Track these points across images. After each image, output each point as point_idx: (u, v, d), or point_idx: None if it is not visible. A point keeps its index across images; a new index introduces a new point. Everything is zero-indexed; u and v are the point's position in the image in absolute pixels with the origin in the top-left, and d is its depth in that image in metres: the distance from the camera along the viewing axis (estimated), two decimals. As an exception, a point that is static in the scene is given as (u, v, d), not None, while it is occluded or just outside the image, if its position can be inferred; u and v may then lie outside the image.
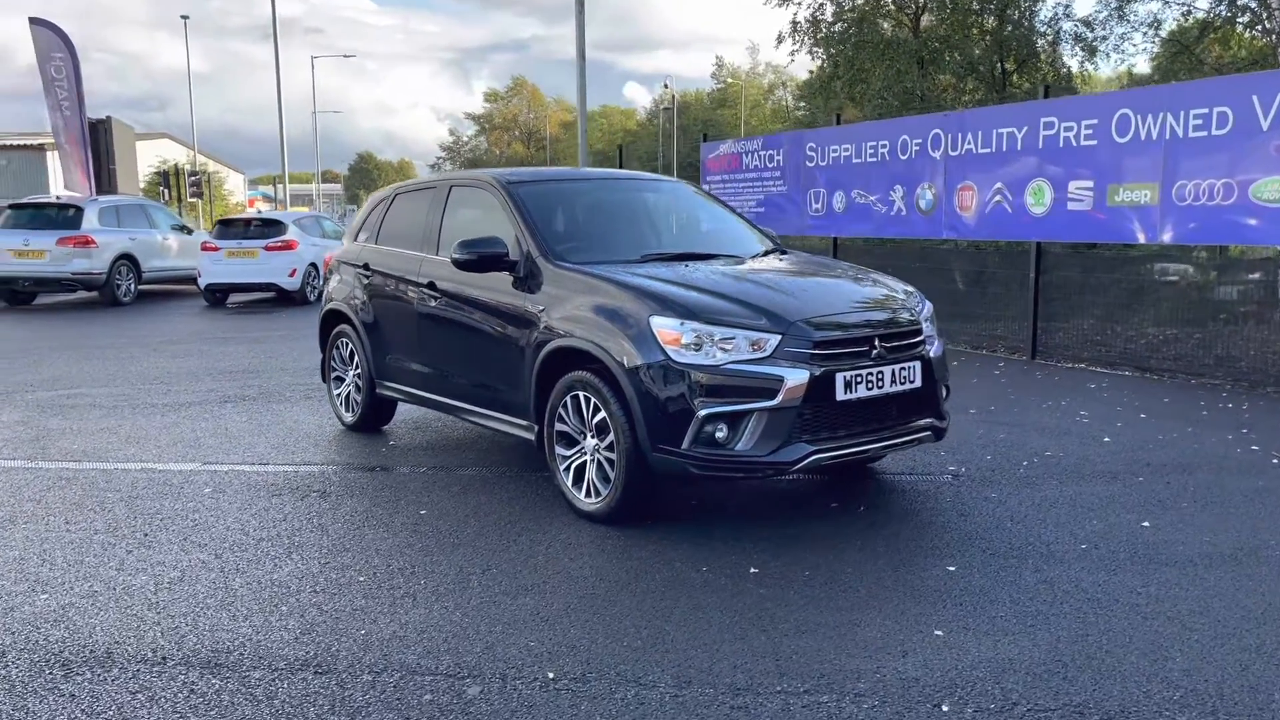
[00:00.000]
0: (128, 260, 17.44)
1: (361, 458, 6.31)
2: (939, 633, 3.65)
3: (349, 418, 7.04)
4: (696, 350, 4.50)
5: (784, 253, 6.10)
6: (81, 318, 15.36)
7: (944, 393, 5.21)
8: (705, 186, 15.38)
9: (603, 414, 4.77)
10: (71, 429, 7.14)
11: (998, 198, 10.34)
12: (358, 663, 3.44)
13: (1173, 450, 6.25)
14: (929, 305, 5.35)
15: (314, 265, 17.22)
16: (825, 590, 4.06)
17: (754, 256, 5.81)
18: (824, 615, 3.81)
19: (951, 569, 4.28)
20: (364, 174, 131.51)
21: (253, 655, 3.50)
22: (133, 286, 17.57)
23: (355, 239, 7.09)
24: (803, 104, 38.12)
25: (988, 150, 10.44)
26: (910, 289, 5.43)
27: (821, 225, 12.96)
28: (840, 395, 4.56)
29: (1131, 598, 3.95)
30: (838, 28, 24.29)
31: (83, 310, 16.55)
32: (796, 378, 4.46)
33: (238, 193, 63.28)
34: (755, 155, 14.17)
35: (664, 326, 4.56)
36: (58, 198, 17.74)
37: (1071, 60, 24.01)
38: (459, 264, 5.39)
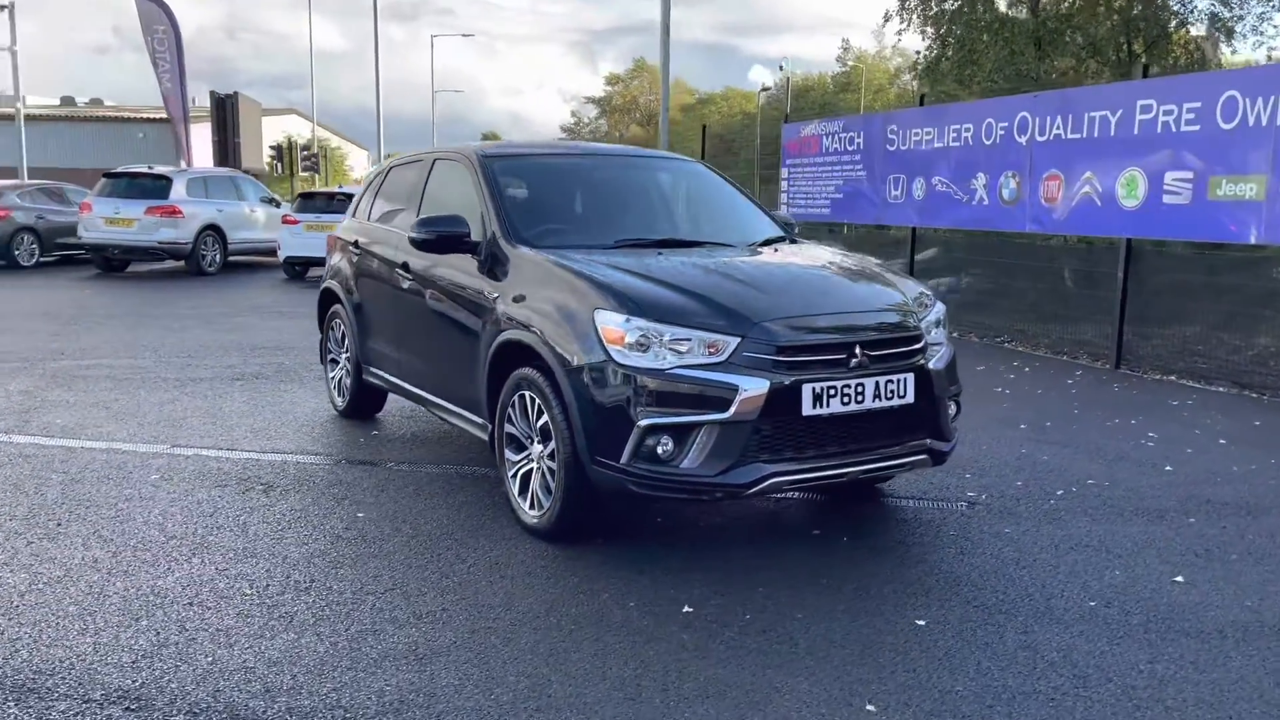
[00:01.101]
0: (213, 231, 17.65)
1: (334, 448, 5.92)
2: (871, 708, 3.01)
3: (340, 403, 6.68)
4: (643, 351, 3.91)
5: (794, 242, 5.44)
6: (162, 286, 15.56)
7: (951, 410, 4.50)
8: (784, 170, 14.62)
9: (546, 418, 4.24)
10: (68, 401, 6.97)
11: (1086, 189, 9.36)
12: (180, 699, 3.00)
13: (1244, 486, 5.37)
14: (940, 308, 4.64)
15: None
16: (758, 640, 3.45)
17: (751, 245, 5.18)
18: (743, 674, 3.21)
19: (921, 623, 3.61)
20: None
21: (74, 680, 3.10)
22: (217, 257, 17.79)
23: (354, 215, 6.70)
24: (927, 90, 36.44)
25: (1077, 135, 9.45)
26: (923, 290, 4.73)
27: (900, 214, 12.09)
28: (807, 409, 3.92)
29: (1129, 676, 3.23)
30: (949, 4, 23.00)
31: (168, 279, 16.81)
32: (753, 388, 3.84)
33: (359, 169, 64.71)
34: (835, 138, 13.35)
35: (608, 322, 3.99)
36: (149, 168, 18.05)
37: (1207, 43, 22.18)
38: (416, 244, 4.93)
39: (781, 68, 51.07)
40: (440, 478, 5.32)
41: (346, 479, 5.27)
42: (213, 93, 26.83)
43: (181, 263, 17.52)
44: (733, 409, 3.83)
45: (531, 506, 4.42)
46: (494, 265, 4.74)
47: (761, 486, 3.92)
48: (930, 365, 4.27)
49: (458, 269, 4.98)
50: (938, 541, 4.45)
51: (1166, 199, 8.54)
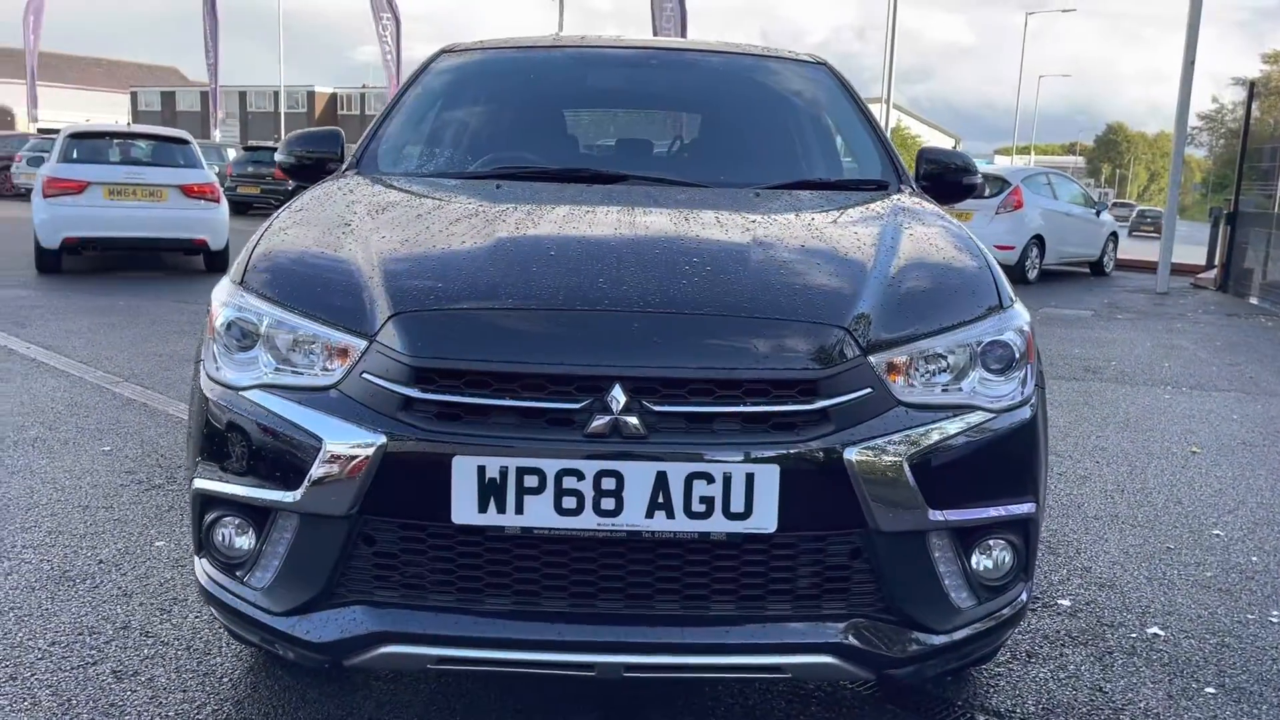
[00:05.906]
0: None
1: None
2: None
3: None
4: (240, 350, 2.05)
5: (895, 194, 2.90)
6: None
7: (989, 561, 1.95)
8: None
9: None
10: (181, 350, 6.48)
11: None
12: None
13: None
14: (1003, 323, 2.04)
15: (1038, 239, 13.53)
16: None
17: (755, 189, 2.80)
18: None
19: None
20: (1110, 146, 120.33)
21: None
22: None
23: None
24: None
25: None
26: (999, 291, 2.14)
27: None
28: (465, 513, 1.77)
29: None
30: None
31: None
32: (347, 445, 1.80)
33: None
34: None
35: (216, 294, 2.18)
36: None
37: None
38: (280, 168, 3.43)
39: None
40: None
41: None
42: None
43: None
44: (303, 486, 1.83)
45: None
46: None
47: (362, 659, 1.85)
48: (854, 454, 1.78)
49: None
50: None
51: None
